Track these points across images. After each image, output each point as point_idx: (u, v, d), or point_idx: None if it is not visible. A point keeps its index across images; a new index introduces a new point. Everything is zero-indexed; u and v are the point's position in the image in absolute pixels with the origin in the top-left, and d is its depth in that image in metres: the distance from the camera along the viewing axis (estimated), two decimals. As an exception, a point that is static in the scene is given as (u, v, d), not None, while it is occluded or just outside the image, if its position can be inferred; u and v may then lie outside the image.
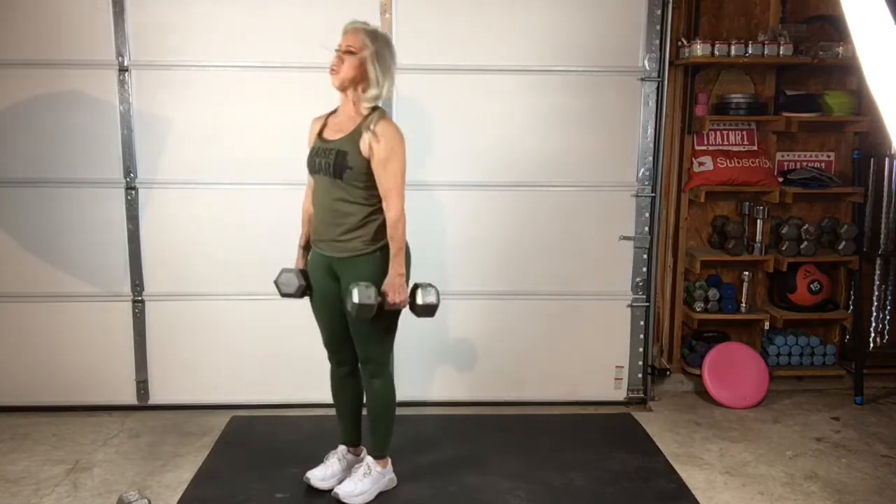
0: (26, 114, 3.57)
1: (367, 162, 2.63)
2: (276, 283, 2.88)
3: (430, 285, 2.79)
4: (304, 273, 2.89)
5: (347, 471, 2.97)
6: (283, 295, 2.89)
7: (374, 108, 2.68)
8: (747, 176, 3.96)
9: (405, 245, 2.72)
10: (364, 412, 2.97)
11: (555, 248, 3.81)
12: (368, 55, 2.62)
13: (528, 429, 3.57)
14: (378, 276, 2.68)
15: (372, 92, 2.64)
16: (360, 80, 2.64)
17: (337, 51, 2.65)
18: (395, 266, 2.67)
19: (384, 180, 2.63)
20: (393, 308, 2.70)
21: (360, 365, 2.87)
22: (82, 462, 3.23)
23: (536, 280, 3.83)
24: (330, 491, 2.90)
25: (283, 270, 2.89)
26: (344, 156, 2.63)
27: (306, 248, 2.93)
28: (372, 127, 2.61)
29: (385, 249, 2.69)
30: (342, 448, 3.02)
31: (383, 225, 2.69)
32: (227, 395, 3.80)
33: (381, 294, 2.66)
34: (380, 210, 2.68)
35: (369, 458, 2.92)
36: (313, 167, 2.73)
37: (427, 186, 3.70)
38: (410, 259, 2.80)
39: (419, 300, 2.76)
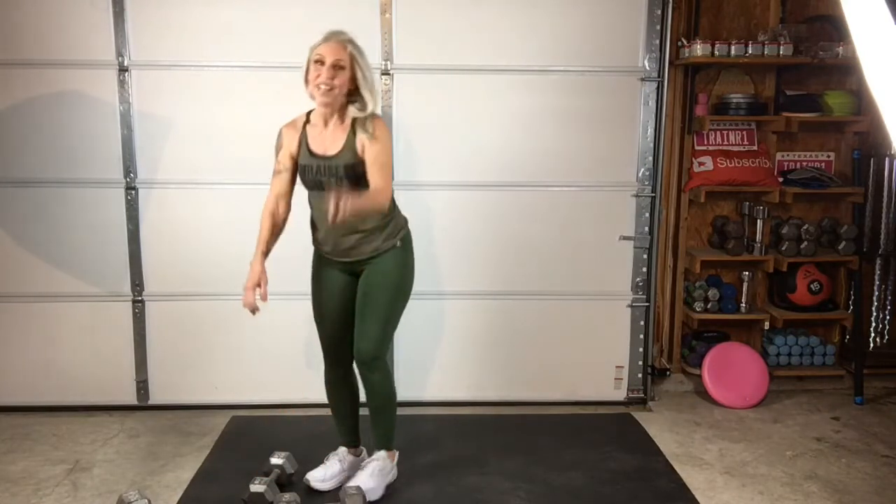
0: (26, 114, 3.57)
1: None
2: (244, 501, 2.75)
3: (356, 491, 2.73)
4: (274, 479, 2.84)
5: (347, 472, 2.96)
6: None
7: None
8: (747, 176, 3.96)
9: (407, 232, 2.82)
10: (356, 411, 3.00)
11: (555, 248, 3.81)
12: (358, 69, 2.61)
13: (528, 429, 3.57)
14: (399, 268, 2.77)
15: (369, 107, 2.64)
16: (351, 94, 2.63)
17: (318, 62, 2.60)
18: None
19: (378, 177, 2.62)
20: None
21: (356, 363, 2.84)
22: (82, 462, 3.23)
23: (536, 280, 3.83)
24: (329, 492, 2.90)
25: (251, 488, 2.73)
26: (352, 167, 2.63)
27: (266, 253, 2.84)
28: (370, 130, 2.62)
29: (404, 239, 2.79)
30: (342, 449, 3.02)
31: (397, 214, 2.79)
32: (227, 395, 3.79)
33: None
34: (392, 204, 2.75)
35: (381, 453, 2.91)
36: (316, 185, 2.69)
37: (427, 186, 3.70)
38: (413, 251, 2.86)
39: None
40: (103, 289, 3.71)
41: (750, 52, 3.77)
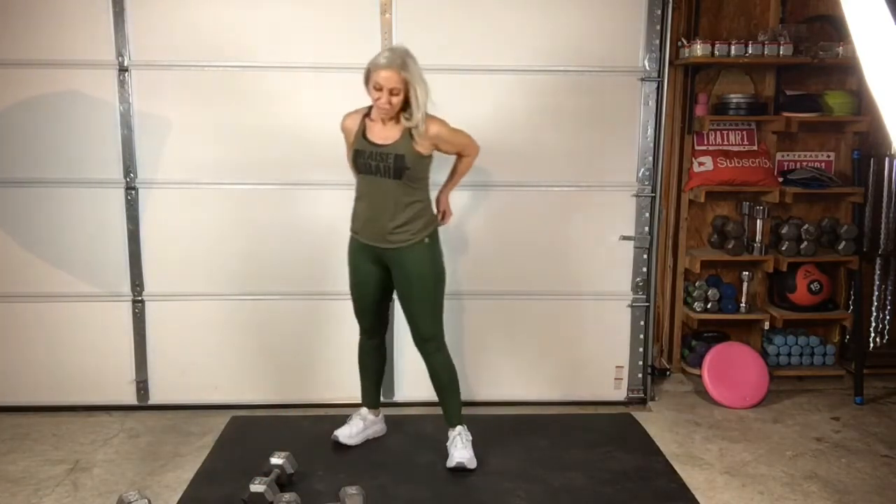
0: (26, 114, 3.57)
1: (424, 159, 2.93)
2: (244, 501, 2.73)
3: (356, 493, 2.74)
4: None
5: (370, 428, 3.31)
6: None
7: None
8: (747, 176, 3.96)
9: (435, 229, 3.07)
10: (382, 375, 3.34)
11: (555, 247, 3.81)
12: (411, 89, 2.85)
13: (528, 429, 3.57)
14: (430, 261, 3.02)
15: (416, 116, 2.87)
16: (406, 106, 2.91)
17: (377, 89, 2.83)
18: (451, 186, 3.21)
19: (460, 138, 3.03)
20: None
21: (418, 348, 3.11)
22: (82, 462, 3.23)
23: (536, 280, 3.82)
24: (329, 492, 2.90)
25: (251, 488, 2.71)
26: (402, 159, 2.88)
27: None
28: (421, 129, 2.88)
29: (431, 235, 3.03)
30: (364, 409, 3.33)
31: (427, 213, 3.02)
32: (227, 395, 3.79)
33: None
34: (423, 199, 3.00)
35: (457, 428, 3.15)
36: (366, 168, 2.94)
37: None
38: (439, 242, 3.10)
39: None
40: (103, 289, 3.71)
41: (750, 52, 3.77)
